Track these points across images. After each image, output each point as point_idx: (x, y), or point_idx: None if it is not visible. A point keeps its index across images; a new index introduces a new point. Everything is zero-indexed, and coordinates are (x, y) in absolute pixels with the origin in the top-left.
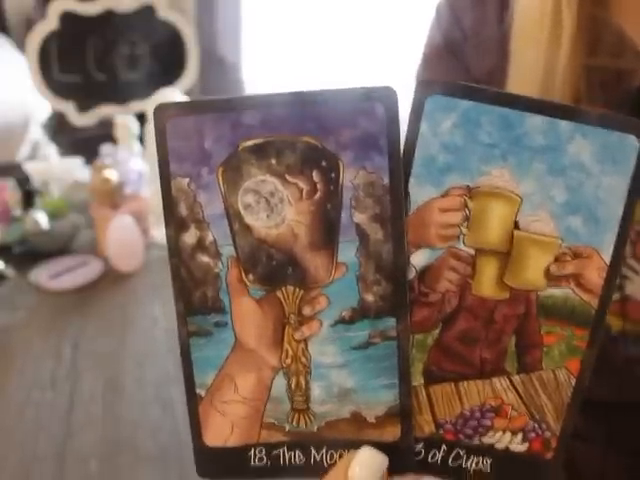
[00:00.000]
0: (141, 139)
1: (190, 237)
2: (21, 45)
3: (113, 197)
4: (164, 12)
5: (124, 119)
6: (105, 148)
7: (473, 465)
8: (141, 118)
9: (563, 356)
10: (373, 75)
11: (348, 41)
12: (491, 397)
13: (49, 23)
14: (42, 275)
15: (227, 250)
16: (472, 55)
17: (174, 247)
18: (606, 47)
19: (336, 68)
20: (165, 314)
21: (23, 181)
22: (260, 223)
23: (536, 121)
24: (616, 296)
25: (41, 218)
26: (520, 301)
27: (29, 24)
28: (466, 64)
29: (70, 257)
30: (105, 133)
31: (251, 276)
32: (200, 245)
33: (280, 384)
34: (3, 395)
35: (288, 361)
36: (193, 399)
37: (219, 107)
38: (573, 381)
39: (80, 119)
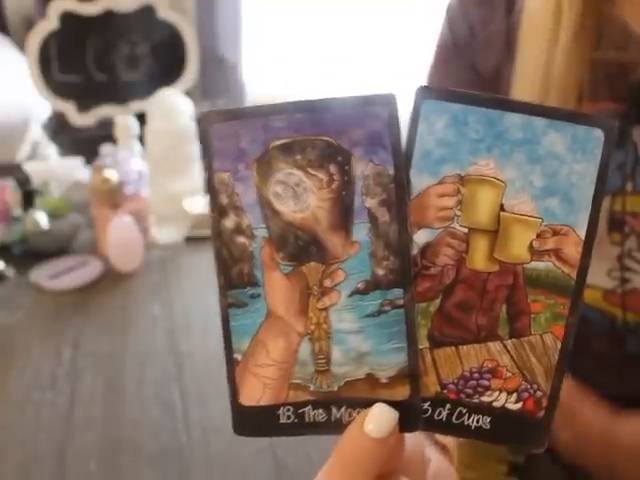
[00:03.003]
0: (141, 139)
1: (230, 222)
2: (21, 45)
3: (113, 197)
4: (164, 12)
5: (124, 119)
6: (105, 148)
7: (474, 422)
8: (141, 118)
9: (548, 322)
10: (373, 74)
11: (348, 41)
12: (488, 359)
13: (49, 23)
14: (42, 275)
15: (260, 232)
16: (479, 51)
17: (216, 230)
18: (610, 40)
19: (336, 68)
20: (165, 314)
21: (23, 181)
22: (288, 209)
23: (515, 119)
24: (621, 288)
25: (41, 218)
26: (508, 273)
27: (29, 24)
28: (473, 61)
29: (70, 257)
30: (105, 133)
31: (281, 254)
32: (238, 228)
33: (305, 348)
34: (3, 395)
35: (312, 327)
36: (231, 363)
37: (253, 114)
38: (559, 344)
39: (80, 119)
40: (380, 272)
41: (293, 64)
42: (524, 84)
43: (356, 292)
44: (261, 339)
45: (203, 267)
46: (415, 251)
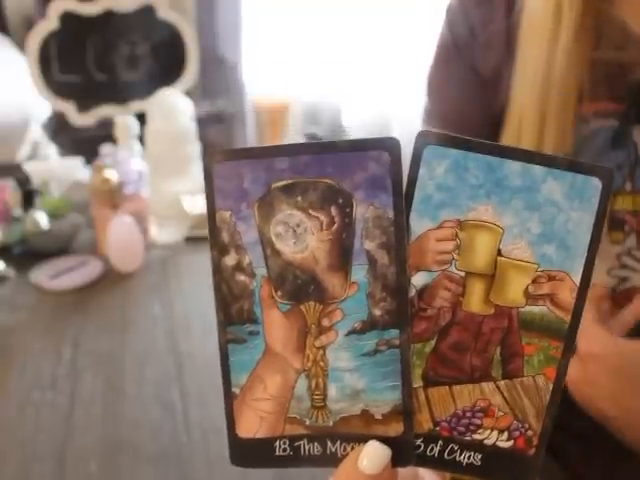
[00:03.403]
0: (141, 139)
1: (230, 260)
2: (21, 45)
3: (113, 197)
4: (164, 12)
5: (124, 119)
6: (105, 148)
7: (465, 459)
8: (141, 118)
9: (541, 364)
10: (373, 74)
11: (348, 41)
12: (480, 399)
13: (49, 23)
14: (42, 275)
15: (260, 271)
16: (479, 53)
17: (217, 267)
18: (610, 41)
19: (336, 68)
20: (165, 314)
21: (23, 181)
22: (288, 249)
23: (514, 166)
24: (621, 287)
25: (41, 218)
26: (503, 316)
27: (29, 24)
28: (473, 62)
29: (70, 257)
30: (105, 133)
31: (280, 292)
32: (239, 266)
33: (302, 384)
34: (3, 395)
35: (309, 365)
36: (229, 397)
37: (256, 154)
38: (550, 386)
39: (80, 119)
40: (377, 313)
41: (293, 64)
42: (524, 84)
43: (353, 332)
44: (259, 374)
45: (203, 267)
46: (412, 293)
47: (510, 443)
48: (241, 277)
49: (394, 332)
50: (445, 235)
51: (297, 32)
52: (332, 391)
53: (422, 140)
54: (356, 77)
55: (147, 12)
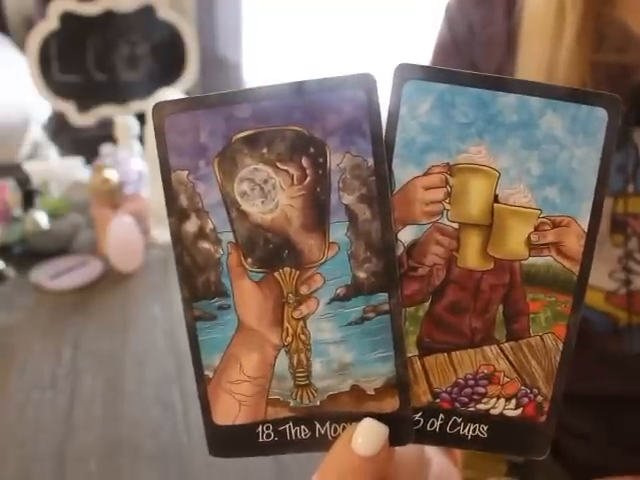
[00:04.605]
0: (141, 139)
1: (191, 226)
2: (21, 45)
3: (113, 197)
4: (164, 12)
5: (124, 119)
6: (105, 148)
7: (470, 432)
8: (141, 118)
9: (549, 322)
10: (372, 74)
11: (348, 40)
12: (483, 365)
13: (49, 23)
14: (42, 275)
15: (226, 236)
16: (480, 52)
17: (177, 236)
18: (611, 42)
19: (336, 68)
20: (165, 314)
21: (23, 181)
22: (256, 209)
23: (509, 99)
24: (623, 290)
25: (41, 218)
26: (504, 271)
27: (29, 24)
28: (474, 61)
29: (70, 257)
30: (105, 133)
31: (250, 260)
32: (201, 233)
33: (283, 362)
34: (3, 395)
35: (289, 339)
36: (202, 381)
37: (212, 102)
38: (561, 345)
39: (80, 119)
40: (362, 275)
41: (293, 64)
42: None
43: (336, 299)
44: (233, 353)
45: None
46: (400, 251)
47: (519, 411)
48: (204, 245)
49: (382, 296)
50: (433, 182)
51: (297, 32)
52: (317, 367)
53: (401, 74)
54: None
55: (147, 12)
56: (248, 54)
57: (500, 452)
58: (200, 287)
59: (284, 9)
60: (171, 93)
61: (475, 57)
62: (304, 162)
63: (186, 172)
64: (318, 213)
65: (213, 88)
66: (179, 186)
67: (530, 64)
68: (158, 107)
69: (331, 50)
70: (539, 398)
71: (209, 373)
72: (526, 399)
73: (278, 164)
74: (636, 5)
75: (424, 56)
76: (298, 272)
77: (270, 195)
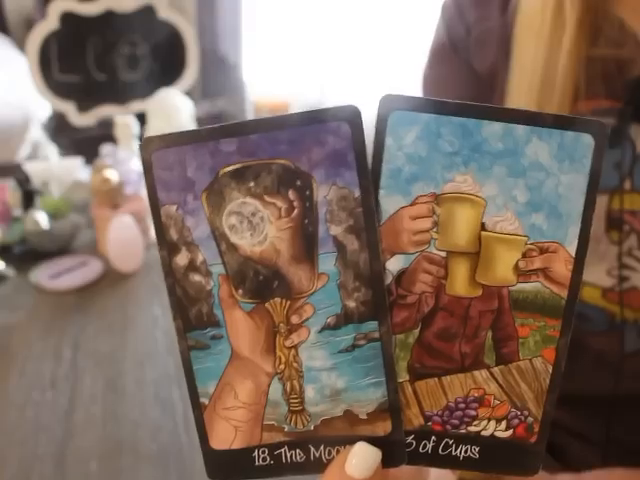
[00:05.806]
0: (141, 139)
1: (182, 259)
2: (21, 45)
3: (113, 197)
4: (164, 12)
5: (124, 119)
6: (105, 148)
7: (462, 453)
8: (141, 118)
9: (538, 346)
10: (372, 73)
11: (348, 40)
12: (474, 388)
13: (49, 23)
14: (42, 275)
15: (217, 269)
16: (475, 50)
17: (168, 269)
18: (607, 38)
19: (336, 67)
20: (165, 314)
21: (23, 181)
22: (245, 242)
23: (494, 128)
24: (620, 287)
25: (41, 218)
26: (493, 297)
27: (29, 24)
28: (469, 60)
29: (70, 257)
30: (105, 133)
31: (240, 291)
32: (192, 266)
33: (276, 388)
34: (3, 395)
35: (281, 367)
36: (198, 408)
37: (198, 137)
38: (550, 368)
39: (80, 119)
40: (351, 305)
41: (293, 64)
42: (522, 82)
43: (326, 327)
44: (228, 382)
45: None
46: (389, 279)
47: (509, 432)
48: (196, 277)
49: (372, 324)
50: (420, 212)
51: (297, 32)
52: (310, 393)
53: (386, 105)
54: (356, 77)
55: (147, 12)
56: (248, 54)
57: (492, 472)
58: (193, 318)
59: (284, 9)
60: (171, 93)
61: (471, 57)
62: (291, 195)
63: (175, 206)
64: (306, 245)
65: (213, 88)
66: (168, 220)
67: (524, 63)
68: (145, 143)
69: (331, 50)
70: (529, 419)
71: (204, 400)
72: (516, 420)
73: (265, 197)
74: (633, 1)
75: (422, 56)
76: (289, 302)
77: (258, 228)
